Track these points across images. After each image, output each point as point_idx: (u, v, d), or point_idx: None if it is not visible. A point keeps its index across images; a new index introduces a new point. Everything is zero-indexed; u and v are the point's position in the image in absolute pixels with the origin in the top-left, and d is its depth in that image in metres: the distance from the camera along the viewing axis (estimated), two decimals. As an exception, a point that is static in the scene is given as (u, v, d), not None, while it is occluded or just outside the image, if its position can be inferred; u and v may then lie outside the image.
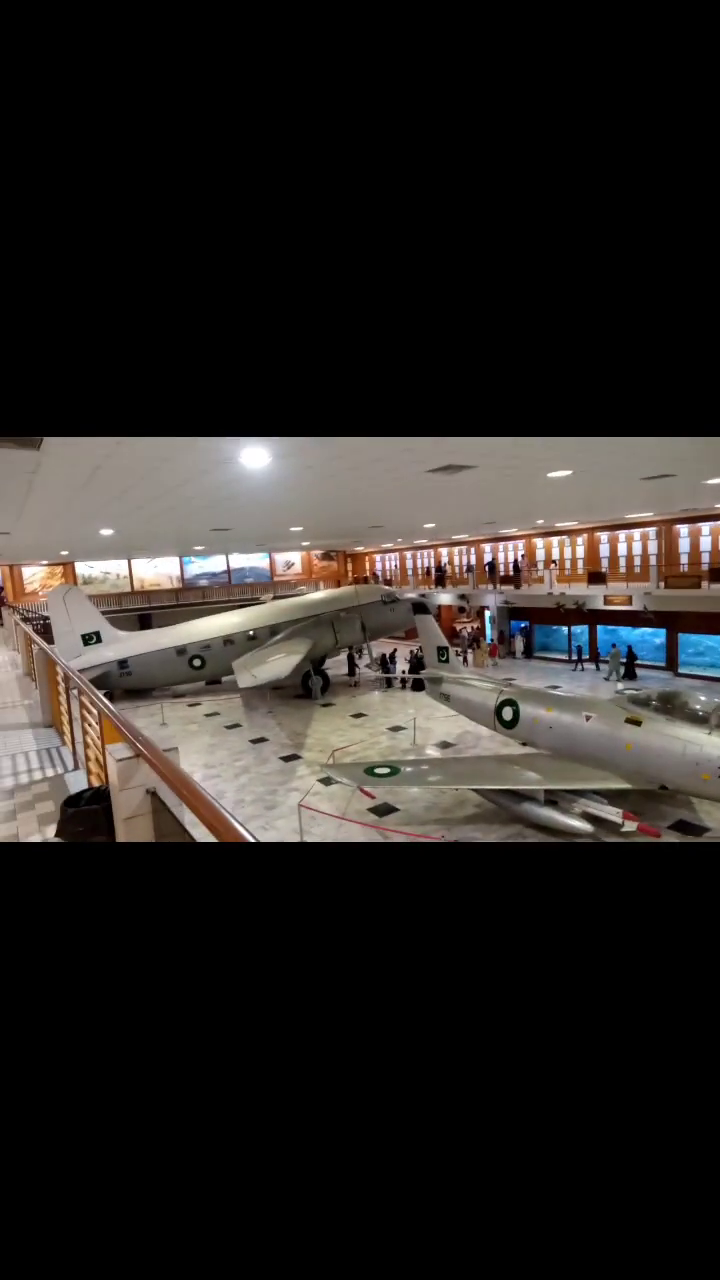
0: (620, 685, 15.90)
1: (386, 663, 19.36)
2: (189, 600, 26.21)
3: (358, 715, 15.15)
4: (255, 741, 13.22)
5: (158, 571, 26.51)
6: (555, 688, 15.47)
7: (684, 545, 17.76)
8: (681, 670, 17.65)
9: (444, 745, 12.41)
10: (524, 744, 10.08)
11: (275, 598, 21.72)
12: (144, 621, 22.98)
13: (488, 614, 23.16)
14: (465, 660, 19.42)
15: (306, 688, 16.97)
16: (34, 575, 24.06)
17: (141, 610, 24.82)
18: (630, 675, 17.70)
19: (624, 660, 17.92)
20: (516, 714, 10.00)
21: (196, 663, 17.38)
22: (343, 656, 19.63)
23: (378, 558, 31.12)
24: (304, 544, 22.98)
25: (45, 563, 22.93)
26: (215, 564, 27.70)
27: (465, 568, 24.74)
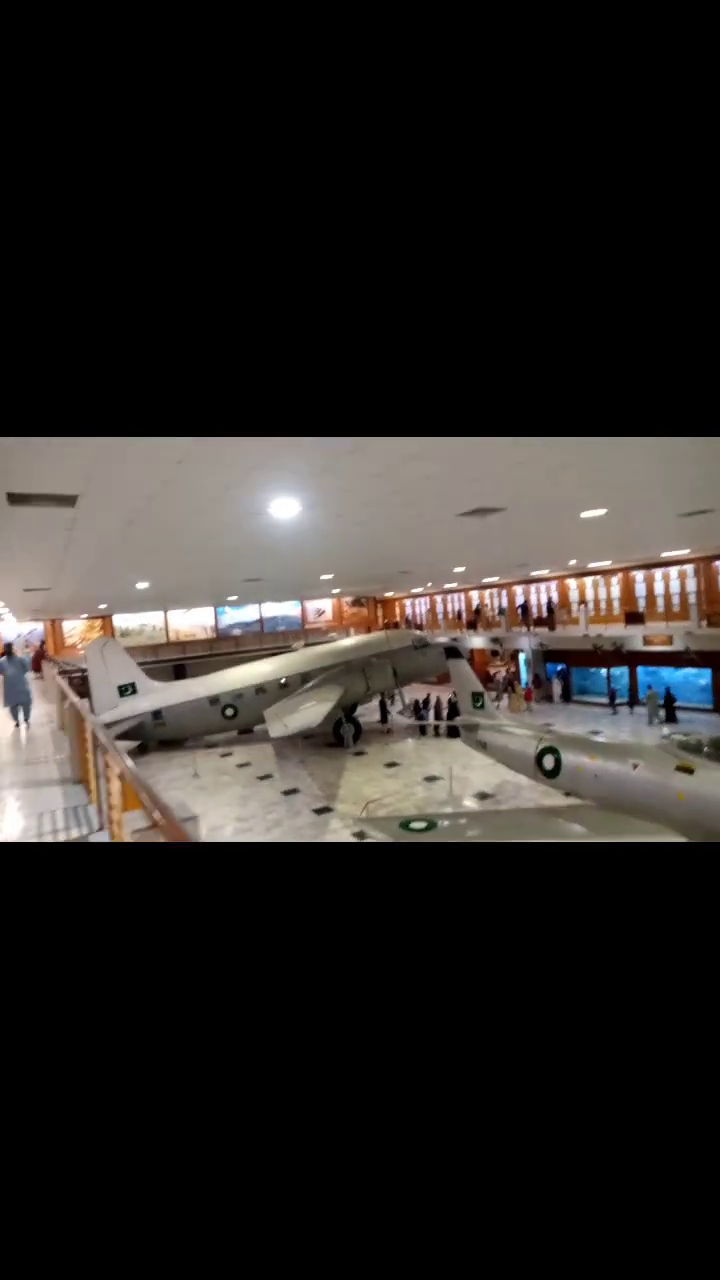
0: (666, 729, 15.18)
1: (420, 709, 18.99)
2: (223, 649, 26.48)
3: (391, 764, 14.78)
4: (287, 793, 12.96)
5: (193, 622, 27.02)
6: (596, 733, 14.87)
7: (725, 582, 17.18)
8: (731, 712, 16.80)
9: (482, 796, 11.92)
10: (567, 794, 9.57)
11: (307, 644, 21.77)
12: (179, 672, 23.24)
13: (522, 657, 22.69)
14: (499, 705, 18.94)
15: (338, 736, 16.72)
16: (74, 629, 24.81)
17: (176, 660, 25.18)
18: (671, 718, 16.92)
19: (662, 703, 17.19)
20: (559, 762, 9.53)
21: (229, 712, 17.36)
22: (375, 703, 19.36)
23: (408, 603, 31.15)
24: (334, 591, 23.21)
25: (85, 616, 23.65)
26: (248, 613, 28.11)
27: (498, 610, 24.48)
